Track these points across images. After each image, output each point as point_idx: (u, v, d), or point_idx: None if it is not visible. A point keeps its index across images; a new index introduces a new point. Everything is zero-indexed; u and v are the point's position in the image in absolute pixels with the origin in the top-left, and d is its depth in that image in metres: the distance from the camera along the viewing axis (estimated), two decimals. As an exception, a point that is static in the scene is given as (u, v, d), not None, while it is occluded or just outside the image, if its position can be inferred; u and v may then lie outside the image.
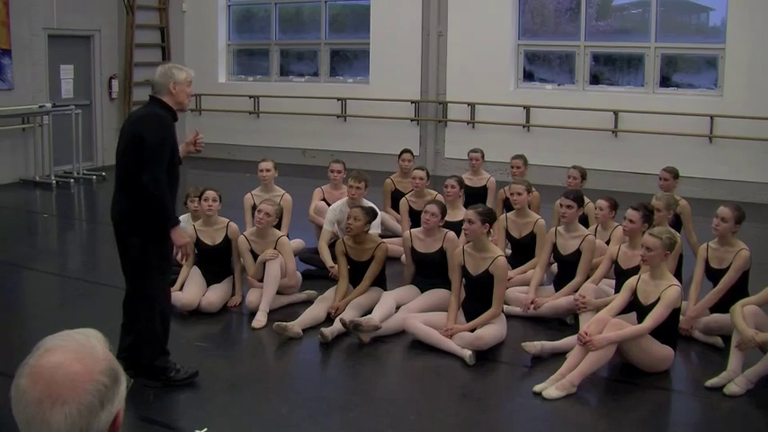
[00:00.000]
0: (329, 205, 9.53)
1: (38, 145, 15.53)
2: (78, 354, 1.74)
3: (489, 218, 7.13)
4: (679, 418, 6.19)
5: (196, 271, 8.15)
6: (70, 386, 1.69)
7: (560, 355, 6.54)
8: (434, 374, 6.67)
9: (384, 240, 8.19)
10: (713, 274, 7.27)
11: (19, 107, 15.05)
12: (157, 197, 5.76)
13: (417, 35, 16.19)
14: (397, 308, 7.41)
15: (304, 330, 7.24)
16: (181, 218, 8.88)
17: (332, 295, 7.79)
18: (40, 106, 15.28)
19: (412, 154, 11.05)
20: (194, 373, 6.19)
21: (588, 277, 7.63)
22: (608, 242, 8.09)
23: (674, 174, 9.29)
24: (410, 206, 9.82)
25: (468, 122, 15.96)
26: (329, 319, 7.45)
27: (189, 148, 6.59)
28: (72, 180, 15.30)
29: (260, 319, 7.54)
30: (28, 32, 15.27)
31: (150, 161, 5.70)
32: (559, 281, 7.93)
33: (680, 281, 6.73)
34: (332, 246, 8.67)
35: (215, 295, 7.97)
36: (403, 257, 8.44)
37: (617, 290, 7.00)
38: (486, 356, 6.78)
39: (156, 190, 5.73)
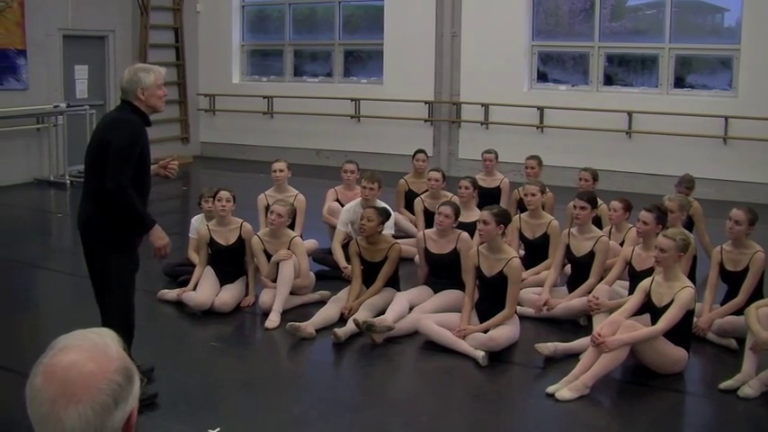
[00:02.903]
0: (342, 206, 9.54)
1: (52, 145, 15.59)
2: (92, 353, 1.74)
3: (504, 219, 7.12)
4: (692, 420, 6.17)
5: (210, 271, 8.17)
6: (84, 385, 1.69)
7: (573, 357, 6.52)
8: (447, 375, 6.67)
9: (397, 241, 8.18)
10: (728, 277, 7.25)
11: (34, 107, 15.11)
12: (125, 203, 5.50)
13: (431, 36, 16.19)
14: (411, 308, 7.41)
15: (317, 331, 7.24)
16: (194, 218, 8.97)
17: (345, 296, 7.79)
18: (55, 106, 15.33)
19: (426, 154, 11.05)
20: (153, 394, 5.82)
21: (602, 279, 7.61)
22: (622, 243, 8.07)
23: (688, 185, 9.25)
24: (425, 206, 9.83)
25: (481, 123, 15.94)
26: (342, 320, 7.45)
27: (159, 171, 6.13)
28: (86, 180, 15.30)
29: (273, 320, 7.55)
30: (43, 33, 15.33)
31: (114, 167, 5.42)
32: (573, 282, 7.92)
33: (693, 282, 6.71)
34: (345, 246, 8.68)
35: (228, 295, 7.98)
36: (416, 258, 8.44)
37: (631, 291, 6.98)
38: (499, 357, 6.77)
39: (122, 196, 5.46)
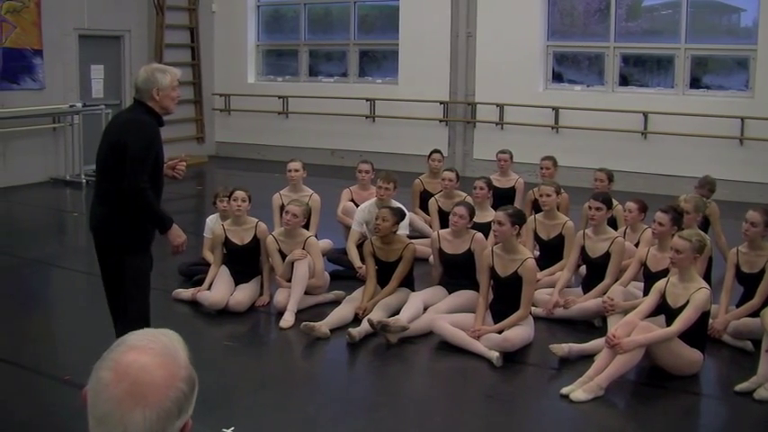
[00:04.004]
0: (357, 206, 9.54)
1: (68, 144, 15.65)
2: (164, 358, 1.75)
3: (519, 219, 7.12)
4: (707, 422, 6.15)
5: (224, 270, 8.19)
6: (155, 391, 1.69)
7: (588, 358, 6.51)
8: (461, 376, 6.67)
9: (412, 241, 8.18)
10: (744, 279, 7.22)
11: (50, 107, 15.21)
12: (144, 205, 5.49)
13: (446, 36, 16.18)
14: (425, 309, 7.41)
15: (331, 330, 7.25)
16: (210, 217, 8.98)
17: (359, 296, 7.79)
18: (71, 106, 15.41)
19: (442, 154, 11.04)
20: None
21: (617, 280, 7.59)
22: (637, 244, 8.05)
23: (711, 187, 9.23)
24: (439, 207, 9.82)
25: (496, 123, 15.92)
26: (357, 320, 7.45)
27: (167, 171, 6.01)
28: (102, 179, 15.33)
29: (288, 319, 7.55)
30: (59, 33, 15.40)
31: (132, 169, 5.39)
32: (588, 283, 7.90)
33: (709, 284, 6.68)
34: (360, 246, 8.68)
35: (243, 295, 7.99)
36: (431, 258, 8.43)
37: (646, 292, 6.96)
38: (513, 358, 6.77)
39: (142, 198, 5.45)
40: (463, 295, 7.58)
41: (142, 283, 5.78)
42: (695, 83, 14.66)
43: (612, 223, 8.60)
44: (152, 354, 1.74)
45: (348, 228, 9.45)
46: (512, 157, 10.87)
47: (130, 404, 1.67)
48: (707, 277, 7.40)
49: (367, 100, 17.12)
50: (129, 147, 5.42)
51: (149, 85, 5.56)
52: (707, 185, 9.27)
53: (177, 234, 5.76)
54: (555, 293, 7.72)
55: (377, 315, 7.26)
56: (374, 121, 17.23)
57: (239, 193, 8.24)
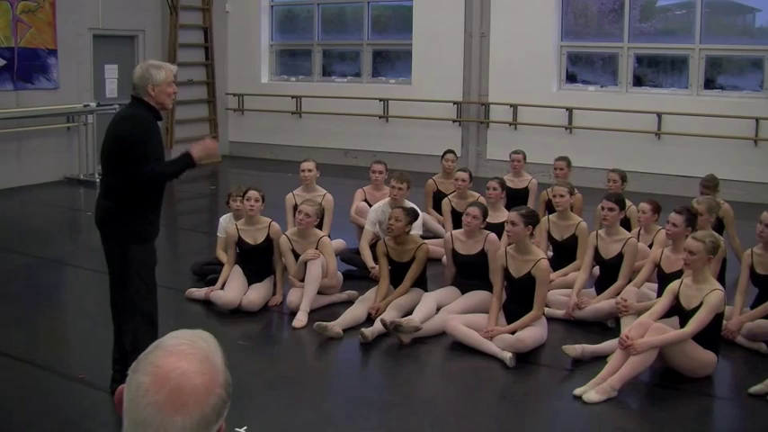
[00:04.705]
0: (370, 206, 9.54)
1: (82, 144, 15.70)
2: (204, 364, 1.74)
3: (532, 220, 7.11)
4: (721, 424, 6.13)
5: (237, 270, 8.20)
6: (195, 398, 1.69)
7: (601, 359, 6.49)
8: (474, 376, 6.66)
9: (425, 241, 8.17)
10: (759, 280, 7.20)
11: (64, 106, 15.25)
12: (164, 177, 5.72)
13: (460, 36, 16.16)
14: (438, 309, 7.40)
15: (344, 330, 7.26)
16: (223, 217, 9.00)
17: (372, 296, 7.79)
18: (85, 105, 15.46)
19: (455, 154, 11.04)
20: None
21: (630, 281, 7.57)
22: (651, 245, 8.02)
23: (706, 184, 9.17)
24: (452, 207, 9.81)
25: (510, 124, 15.89)
26: (370, 320, 7.46)
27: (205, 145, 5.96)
28: (115, 178, 15.37)
29: (301, 319, 7.56)
30: (73, 32, 15.45)
31: (139, 157, 5.50)
32: (601, 284, 7.88)
33: (723, 285, 6.66)
34: (373, 246, 8.68)
35: (256, 294, 8.00)
36: (444, 259, 8.43)
37: (659, 294, 6.94)
38: (526, 359, 6.76)
39: (158, 176, 5.64)
40: (476, 296, 7.57)
41: (147, 279, 5.83)
42: (709, 83, 14.61)
43: (626, 224, 8.59)
44: (192, 359, 1.73)
45: (361, 228, 9.45)
46: (525, 158, 10.85)
47: (171, 411, 1.66)
48: (721, 279, 7.39)
49: (380, 100, 17.11)
50: (127, 141, 5.54)
51: (144, 81, 5.65)
52: (703, 182, 9.20)
53: (197, 149, 5.79)
54: (573, 295, 7.69)
55: (390, 315, 7.26)
56: (387, 121, 17.23)
57: (252, 193, 8.24)
